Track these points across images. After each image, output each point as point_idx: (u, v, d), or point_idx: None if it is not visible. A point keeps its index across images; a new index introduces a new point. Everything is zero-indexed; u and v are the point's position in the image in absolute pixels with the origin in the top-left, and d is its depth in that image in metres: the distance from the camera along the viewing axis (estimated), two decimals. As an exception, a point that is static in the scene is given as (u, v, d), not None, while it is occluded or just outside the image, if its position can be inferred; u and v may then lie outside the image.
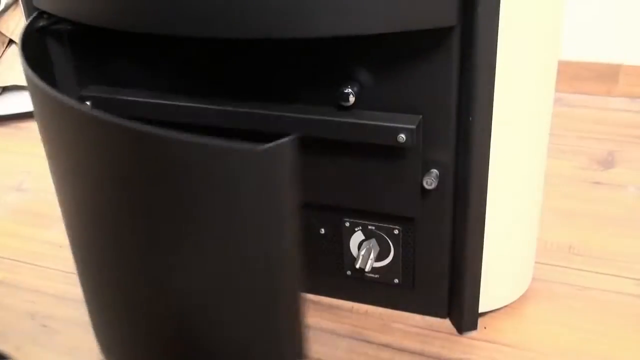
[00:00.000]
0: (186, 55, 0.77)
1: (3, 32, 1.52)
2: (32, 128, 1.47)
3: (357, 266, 0.80)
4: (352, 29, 0.61)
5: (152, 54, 0.79)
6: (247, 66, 0.75)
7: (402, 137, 0.67)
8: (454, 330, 0.82)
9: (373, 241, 0.81)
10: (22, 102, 1.51)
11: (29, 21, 0.78)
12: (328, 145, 0.74)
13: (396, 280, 0.83)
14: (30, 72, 0.57)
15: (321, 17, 0.60)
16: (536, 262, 0.89)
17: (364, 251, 0.80)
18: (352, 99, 0.69)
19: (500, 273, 0.81)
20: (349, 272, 0.85)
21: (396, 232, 0.79)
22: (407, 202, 0.75)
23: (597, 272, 0.91)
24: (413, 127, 0.67)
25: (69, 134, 0.55)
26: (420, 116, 0.69)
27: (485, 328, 0.82)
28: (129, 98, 0.79)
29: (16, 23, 1.52)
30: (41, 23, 0.79)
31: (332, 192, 0.78)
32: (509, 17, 0.63)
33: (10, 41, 1.54)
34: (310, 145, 0.75)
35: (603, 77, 1.53)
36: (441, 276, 0.80)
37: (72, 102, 0.51)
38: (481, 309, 0.81)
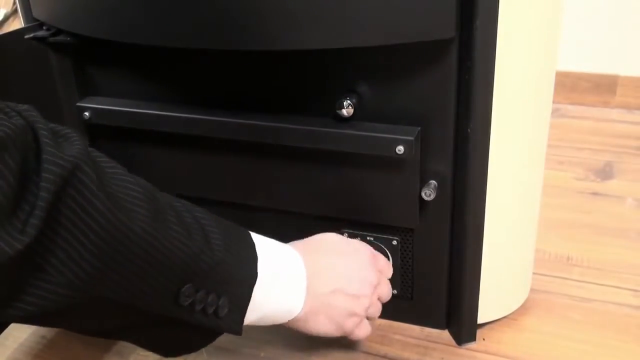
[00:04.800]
0: (185, 67, 0.77)
1: (2, 42, 1.52)
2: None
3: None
4: (351, 41, 0.61)
5: (151, 65, 0.79)
6: (246, 78, 0.75)
7: (400, 149, 0.68)
8: (452, 341, 0.82)
9: (371, 252, 0.81)
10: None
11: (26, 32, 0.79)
12: (326, 157, 0.74)
13: (395, 291, 0.83)
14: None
15: (320, 29, 0.61)
16: (534, 273, 0.89)
17: (362, 262, 0.80)
18: (350, 110, 0.69)
19: (499, 284, 0.80)
20: (347, 283, 0.85)
21: (394, 243, 0.79)
22: (405, 213, 0.75)
23: (596, 283, 0.91)
24: (411, 138, 0.67)
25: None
26: (419, 128, 0.69)
27: (484, 339, 0.82)
28: (128, 109, 0.79)
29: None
30: (40, 34, 0.79)
31: (330, 203, 0.78)
32: (507, 29, 0.63)
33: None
34: (308, 157, 0.75)
35: (600, 88, 1.54)
36: (440, 287, 0.80)
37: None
38: (480, 320, 0.81)
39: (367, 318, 0.72)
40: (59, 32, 0.79)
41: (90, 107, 0.81)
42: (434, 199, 0.72)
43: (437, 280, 0.80)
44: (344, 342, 0.83)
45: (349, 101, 0.69)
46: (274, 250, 0.63)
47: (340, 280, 0.67)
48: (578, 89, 1.55)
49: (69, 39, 0.79)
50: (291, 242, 0.69)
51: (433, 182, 0.72)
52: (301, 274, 0.64)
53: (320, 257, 0.68)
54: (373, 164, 0.73)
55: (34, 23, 0.81)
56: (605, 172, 1.22)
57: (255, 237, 0.61)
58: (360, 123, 0.70)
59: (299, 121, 0.72)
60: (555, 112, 1.47)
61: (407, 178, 0.72)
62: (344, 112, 0.69)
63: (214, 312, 0.55)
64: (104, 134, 0.85)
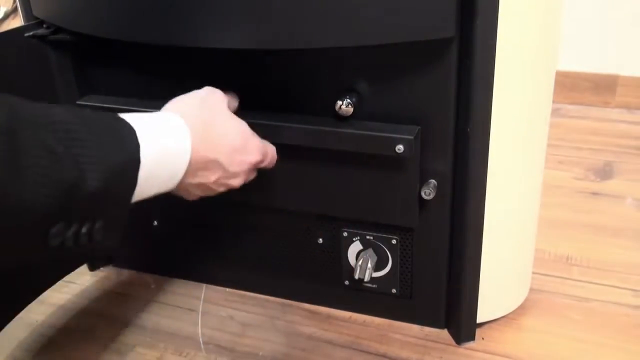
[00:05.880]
0: (185, 65, 0.77)
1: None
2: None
3: (357, 277, 0.80)
4: (351, 40, 0.61)
5: (151, 64, 0.79)
6: (247, 76, 0.75)
7: (400, 147, 0.68)
8: (452, 340, 0.82)
9: (370, 251, 0.81)
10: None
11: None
12: (326, 156, 0.74)
13: (394, 291, 0.83)
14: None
15: (320, 28, 0.61)
16: (534, 273, 0.89)
17: (361, 261, 0.80)
18: (350, 109, 0.69)
19: (498, 283, 0.80)
20: (347, 282, 0.85)
21: (394, 242, 0.79)
22: (405, 213, 0.75)
23: (595, 283, 0.91)
24: (411, 137, 0.67)
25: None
26: (419, 127, 0.69)
27: (483, 339, 0.82)
28: (127, 107, 0.79)
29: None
30: (40, 32, 0.79)
31: (330, 202, 0.78)
32: (507, 28, 0.63)
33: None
34: (309, 156, 0.75)
35: (600, 87, 1.54)
36: (439, 286, 0.80)
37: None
38: (479, 320, 0.81)
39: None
40: (58, 30, 0.79)
41: (89, 105, 0.81)
42: (433, 198, 0.72)
43: (436, 279, 0.80)
44: (344, 342, 0.83)
45: (348, 100, 0.69)
46: (158, 132, 0.58)
47: (221, 158, 0.64)
48: (578, 88, 1.55)
49: (68, 37, 0.79)
50: (178, 100, 0.66)
51: (433, 181, 0.72)
52: (186, 149, 0.60)
53: (208, 128, 0.63)
54: (373, 163, 0.73)
55: (34, 21, 0.81)
56: (605, 172, 1.22)
57: (136, 122, 0.56)
58: (359, 122, 0.70)
59: (299, 120, 0.72)
60: (555, 112, 1.46)
61: (407, 177, 0.72)
62: (344, 110, 0.69)
63: (88, 239, 0.51)
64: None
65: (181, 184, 0.61)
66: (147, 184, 0.56)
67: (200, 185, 0.64)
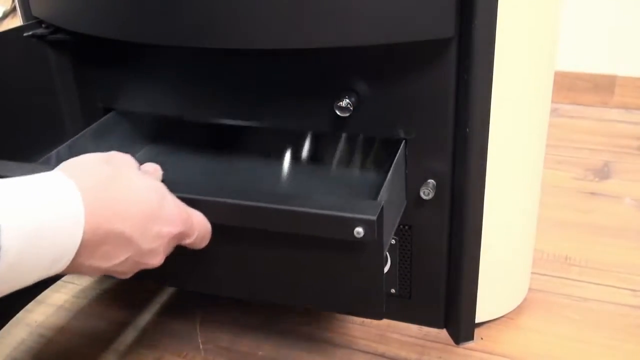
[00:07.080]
0: (184, 65, 0.77)
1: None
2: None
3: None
4: (351, 40, 0.61)
5: (151, 63, 0.79)
6: (246, 76, 0.75)
7: (359, 231, 0.54)
8: (450, 340, 0.82)
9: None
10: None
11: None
12: (272, 236, 0.61)
13: (393, 290, 0.83)
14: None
15: (320, 28, 0.61)
16: (533, 273, 0.89)
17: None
18: (350, 108, 0.69)
19: (497, 283, 0.81)
20: (346, 282, 0.85)
21: (393, 242, 0.79)
22: (367, 304, 0.62)
23: (593, 283, 0.91)
24: (373, 218, 0.54)
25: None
26: (382, 204, 0.56)
27: (482, 339, 0.82)
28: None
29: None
30: (39, 32, 0.79)
31: (279, 289, 0.67)
32: (506, 29, 0.63)
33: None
34: (248, 235, 0.62)
35: (599, 88, 1.54)
36: (438, 286, 0.80)
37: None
38: (478, 320, 0.81)
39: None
40: (58, 30, 0.79)
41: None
42: (432, 197, 0.72)
43: (435, 279, 0.80)
44: (343, 342, 0.83)
45: (347, 100, 0.69)
46: (32, 201, 0.44)
47: (130, 230, 0.50)
48: (576, 88, 1.55)
49: (68, 37, 0.79)
50: (74, 158, 0.54)
51: (432, 181, 0.72)
52: (77, 219, 0.46)
53: (110, 190, 0.50)
54: (328, 246, 0.59)
55: (33, 21, 0.81)
56: (603, 172, 1.22)
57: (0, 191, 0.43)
58: (309, 199, 0.58)
59: (233, 194, 0.59)
60: (553, 112, 1.47)
61: (370, 263, 0.59)
62: (343, 109, 0.69)
63: None
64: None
65: (75, 264, 0.48)
66: (18, 273, 0.43)
67: (103, 267, 0.51)
